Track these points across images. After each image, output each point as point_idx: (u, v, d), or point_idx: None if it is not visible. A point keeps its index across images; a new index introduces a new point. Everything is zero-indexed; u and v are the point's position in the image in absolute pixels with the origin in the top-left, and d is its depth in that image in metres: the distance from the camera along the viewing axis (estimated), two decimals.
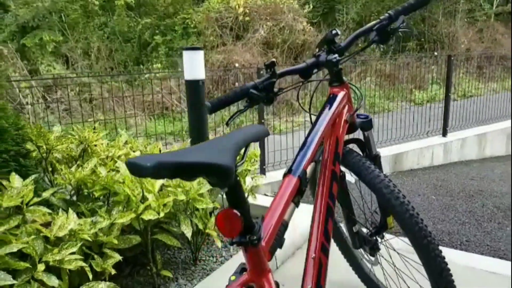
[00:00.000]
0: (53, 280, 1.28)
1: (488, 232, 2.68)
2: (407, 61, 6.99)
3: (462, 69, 8.20)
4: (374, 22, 1.32)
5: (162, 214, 1.68)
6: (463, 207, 3.13)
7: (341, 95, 1.30)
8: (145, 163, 0.59)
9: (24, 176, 1.56)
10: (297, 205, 1.00)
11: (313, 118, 1.28)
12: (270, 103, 1.18)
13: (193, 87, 2.33)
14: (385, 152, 4.27)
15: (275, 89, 1.18)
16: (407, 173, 4.24)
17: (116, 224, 1.63)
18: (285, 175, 1.03)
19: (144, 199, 1.73)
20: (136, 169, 0.60)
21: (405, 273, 1.55)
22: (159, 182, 1.82)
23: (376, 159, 1.44)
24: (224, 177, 0.66)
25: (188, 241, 1.98)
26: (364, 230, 1.59)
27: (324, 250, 1.04)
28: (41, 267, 1.26)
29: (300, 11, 8.74)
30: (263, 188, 3.27)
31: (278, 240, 0.90)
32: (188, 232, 1.79)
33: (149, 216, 1.64)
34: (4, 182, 1.48)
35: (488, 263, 2.16)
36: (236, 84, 6.44)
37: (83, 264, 1.38)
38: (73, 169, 1.75)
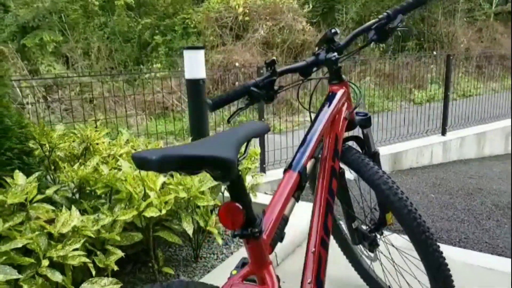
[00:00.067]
0: (57, 276, 1.30)
1: (487, 229, 2.70)
2: (407, 60, 7.01)
3: (461, 68, 8.22)
4: (372, 21, 1.34)
5: (163, 211, 1.70)
6: (462, 205, 3.15)
7: (340, 93, 1.33)
8: (150, 157, 0.61)
9: (27, 174, 1.59)
10: (297, 200, 1.02)
11: (313, 116, 1.30)
12: (270, 101, 1.20)
13: (194, 86, 2.35)
14: (384, 151, 4.30)
15: (276, 87, 1.20)
16: (406, 171, 4.26)
17: (118, 221, 1.65)
18: (285, 171, 1.05)
19: (146, 196, 1.75)
20: (142, 162, 0.62)
21: (403, 269, 1.57)
22: (161, 180, 1.84)
23: (375, 156, 1.46)
24: (227, 170, 0.68)
25: (189, 238, 2.00)
26: (364, 227, 1.61)
27: (323, 245, 1.06)
28: (45, 262, 1.28)
29: (300, 11, 8.75)
30: (263, 187, 3.29)
31: (279, 234, 0.92)
32: (189, 229, 1.81)
33: (151, 213, 1.67)
34: (8, 180, 1.51)
35: (487, 260, 2.18)
36: (236, 83, 6.46)
37: (87, 260, 1.40)
38: (75, 167, 1.77)
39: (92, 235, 1.48)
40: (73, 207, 1.53)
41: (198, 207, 1.96)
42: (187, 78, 2.37)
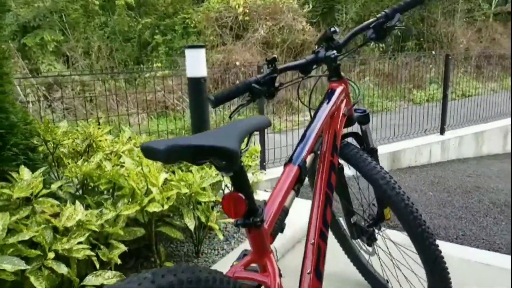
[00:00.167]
0: (63, 268, 1.33)
1: (484, 226, 2.74)
2: (406, 60, 7.04)
3: (460, 68, 8.25)
4: (371, 20, 1.37)
5: (166, 207, 1.73)
6: (460, 202, 3.19)
7: (339, 90, 1.36)
8: (158, 147, 0.64)
9: (32, 170, 1.62)
10: (297, 192, 1.05)
11: (312, 112, 1.33)
12: (271, 98, 1.22)
13: (195, 84, 2.38)
14: (383, 150, 4.33)
15: (276, 84, 1.23)
16: (405, 170, 4.30)
17: (121, 216, 1.68)
18: (285, 165, 1.08)
19: (148, 192, 1.78)
20: (150, 152, 0.65)
21: (401, 262, 1.61)
22: (163, 176, 1.87)
23: (373, 152, 1.50)
24: (231, 161, 0.72)
25: (191, 234, 2.03)
26: (362, 222, 1.64)
27: (322, 237, 1.09)
28: (51, 255, 1.31)
29: (300, 11, 8.79)
30: (263, 184, 3.32)
31: (279, 225, 0.96)
32: (191, 224, 1.84)
33: (153, 208, 1.70)
34: (14, 175, 1.54)
35: (484, 256, 2.21)
36: (237, 82, 6.48)
37: (91, 253, 1.43)
38: (79, 163, 1.80)
39: (96, 229, 1.51)
40: (77, 202, 1.56)
41: (200, 203, 1.99)
42: (189, 77, 2.40)
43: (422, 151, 4.66)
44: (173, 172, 2.04)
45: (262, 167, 3.62)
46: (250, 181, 2.40)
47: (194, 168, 2.11)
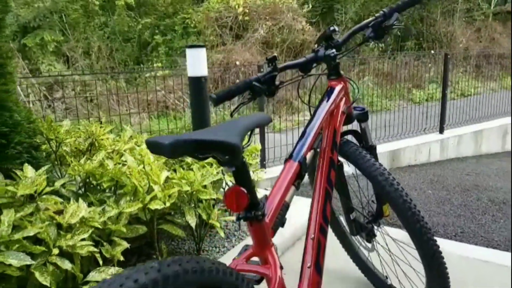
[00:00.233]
0: (67, 264, 1.35)
1: (482, 224, 2.76)
2: (406, 60, 7.06)
3: (460, 68, 8.28)
4: (369, 19, 1.40)
5: (167, 204, 1.75)
6: (459, 200, 3.21)
7: (338, 88, 1.38)
8: (163, 141, 0.66)
9: (35, 168, 1.64)
10: (297, 188, 1.07)
11: (312, 110, 1.35)
12: (271, 96, 1.25)
13: (196, 83, 2.40)
14: (383, 148, 4.35)
15: (276, 83, 1.25)
16: (404, 169, 4.32)
17: (124, 213, 1.70)
18: (286, 161, 1.11)
19: (150, 190, 1.81)
20: (155, 147, 0.68)
21: (399, 258, 1.63)
22: (165, 174, 1.89)
23: (372, 149, 1.52)
24: (233, 155, 0.74)
25: (192, 232, 2.05)
26: (362, 219, 1.66)
27: (322, 231, 1.11)
28: (55, 251, 1.33)
29: (299, 11, 8.81)
30: (263, 183, 3.35)
31: (280, 219, 0.98)
32: (192, 221, 1.86)
33: (155, 205, 1.72)
34: (18, 172, 1.56)
35: (482, 253, 2.23)
36: (237, 81, 6.51)
37: (94, 249, 1.45)
38: (82, 161, 1.82)
39: (99, 226, 1.53)
40: (80, 200, 1.58)
41: (201, 201, 2.01)
42: (190, 76, 2.42)
43: (422, 149, 4.68)
44: (175, 170, 2.06)
45: (262, 165, 3.64)
46: None
47: (195, 166, 2.13)
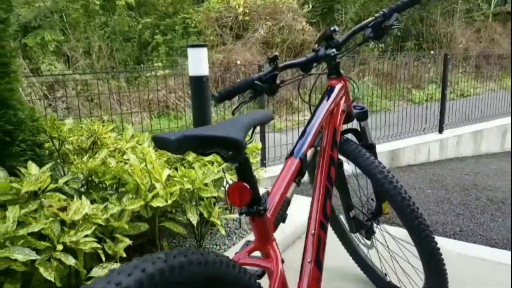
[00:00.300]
0: (71, 259, 1.37)
1: (481, 223, 2.78)
2: (405, 60, 7.08)
3: (460, 68, 8.30)
4: (369, 19, 1.42)
5: (169, 202, 1.77)
6: (458, 200, 3.24)
7: (338, 87, 1.40)
8: (169, 137, 0.68)
9: (39, 165, 1.66)
10: (298, 184, 1.09)
11: (312, 109, 1.37)
12: (273, 94, 1.27)
13: (198, 83, 2.42)
14: (383, 148, 4.37)
15: (278, 82, 1.27)
16: (404, 168, 4.35)
17: (126, 211, 1.72)
18: (287, 158, 1.13)
19: (152, 188, 1.83)
20: (162, 143, 0.70)
21: (398, 255, 1.65)
22: (166, 172, 1.91)
23: (371, 148, 1.54)
24: (237, 150, 0.76)
25: (193, 230, 2.07)
26: (361, 216, 1.68)
27: (322, 227, 1.14)
28: (59, 247, 1.35)
29: (299, 11, 8.83)
30: (264, 182, 3.37)
31: (281, 215, 1.00)
32: (194, 219, 1.88)
33: (157, 203, 1.74)
34: (22, 170, 1.58)
35: (481, 251, 2.25)
36: (237, 81, 6.53)
37: (97, 245, 1.47)
38: (84, 159, 1.84)
39: (102, 223, 1.55)
40: (83, 197, 1.60)
41: (202, 199, 2.03)
42: (191, 75, 2.44)
43: (421, 149, 4.71)
44: (176, 169, 2.08)
45: (263, 164, 3.67)
46: None
47: (196, 164, 2.15)
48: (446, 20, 10.59)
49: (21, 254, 1.21)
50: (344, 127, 1.49)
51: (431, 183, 3.71)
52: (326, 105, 1.33)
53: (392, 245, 1.70)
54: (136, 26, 9.09)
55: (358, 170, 1.47)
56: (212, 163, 2.20)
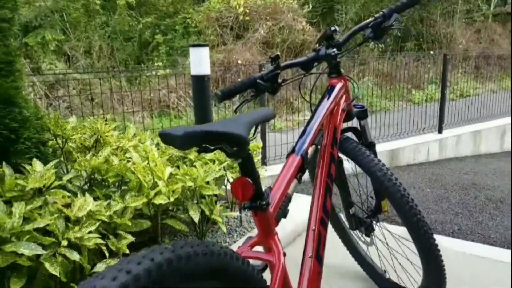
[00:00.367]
0: (75, 255, 1.39)
1: (480, 221, 2.81)
2: (405, 60, 7.11)
3: (460, 69, 8.32)
4: (369, 20, 1.44)
5: (172, 199, 1.80)
6: (456, 199, 3.26)
7: (339, 86, 1.42)
8: (176, 133, 0.71)
9: (43, 163, 1.68)
10: (299, 181, 1.12)
11: (313, 107, 1.40)
12: (274, 93, 1.29)
13: (199, 82, 2.44)
14: (382, 148, 4.40)
15: (279, 80, 1.29)
16: (403, 168, 4.37)
17: (129, 208, 1.74)
18: (288, 155, 1.15)
19: (154, 185, 1.85)
20: (168, 138, 0.72)
21: (397, 252, 1.68)
22: (168, 170, 1.94)
23: (371, 146, 1.57)
24: (241, 146, 0.79)
25: (194, 228, 2.10)
26: (361, 214, 1.70)
27: (323, 223, 1.16)
28: (64, 242, 1.38)
29: (300, 11, 8.85)
30: (264, 181, 3.39)
31: (283, 210, 1.03)
32: (195, 216, 1.90)
33: (160, 200, 1.76)
34: (27, 167, 1.60)
35: (479, 249, 2.27)
36: (239, 80, 6.56)
37: (101, 241, 1.49)
38: (88, 157, 1.87)
39: (105, 220, 1.57)
40: (87, 194, 1.62)
41: (203, 197, 2.05)
42: (193, 75, 2.46)
43: (421, 149, 4.73)
44: (178, 167, 2.11)
45: (263, 163, 3.69)
46: None
47: (198, 163, 2.17)
48: (446, 21, 10.61)
49: (28, 249, 1.23)
50: (344, 125, 1.52)
51: (430, 183, 3.73)
52: (326, 104, 1.35)
53: (391, 243, 1.72)
54: (136, 26, 9.11)
55: (358, 169, 1.50)
56: (213, 161, 2.22)
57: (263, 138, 3.64)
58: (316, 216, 1.16)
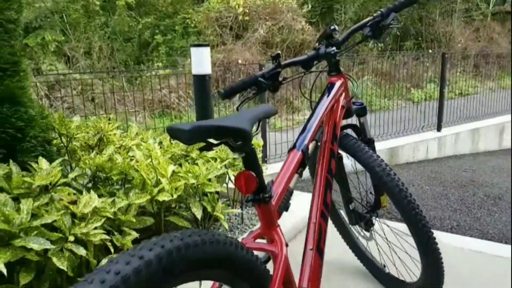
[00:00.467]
0: (81, 250, 1.43)
1: (478, 218, 2.84)
2: (404, 60, 7.14)
3: (459, 68, 8.35)
4: (367, 19, 1.48)
5: (175, 196, 1.83)
6: (455, 196, 3.30)
7: (338, 83, 1.46)
8: (183, 127, 0.74)
9: (49, 161, 1.72)
10: (300, 175, 1.15)
11: (313, 105, 1.43)
12: (275, 91, 1.32)
13: (200, 81, 2.48)
14: (382, 146, 4.43)
15: (280, 79, 1.33)
16: (403, 166, 4.41)
17: (133, 205, 1.77)
18: (290, 150, 1.19)
19: (157, 183, 1.88)
20: (176, 133, 0.75)
21: (396, 245, 1.71)
22: (171, 168, 1.97)
23: (370, 142, 1.60)
24: (245, 140, 0.82)
25: (197, 225, 2.13)
26: (360, 210, 1.74)
27: (323, 217, 1.19)
28: (71, 238, 1.41)
29: (299, 11, 8.89)
30: (265, 179, 3.42)
31: (285, 204, 1.06)
32: (198, 213, 1.94)
33: (163, 197, 1.80)
34: (33, 165, 1.64)
35: (477, 245, 2.30)
36: (239, 79, 6.58)
37: (106, 237, 1.53)
38: (92, 155, 1.90)
39: (110, 216, 1.61)
40: (92, 191, 1.66)
41: (206, 194, 2.09)
42: (194, 74, 2.50)
43: (420, 147, 4.77)
44: (180, 165, 2.14)
45: (264, 161, 3.72)
46: None
47: (200, 161, 2.21)
48: (445, 20, 10.64)
49: (37, 244, 1.27)
50: (344, 122, 1.55)
51: (429, 180, 3.77)
52: (326, 101, 1.39)
53: (390, 237, 1.75)
54: (136, 26, 9.14)
55: (357, 165, 1.53)
56: (215, 159, 2.26)
57: (264, 136, 3.67)
58: (317, 209, 1.20)
